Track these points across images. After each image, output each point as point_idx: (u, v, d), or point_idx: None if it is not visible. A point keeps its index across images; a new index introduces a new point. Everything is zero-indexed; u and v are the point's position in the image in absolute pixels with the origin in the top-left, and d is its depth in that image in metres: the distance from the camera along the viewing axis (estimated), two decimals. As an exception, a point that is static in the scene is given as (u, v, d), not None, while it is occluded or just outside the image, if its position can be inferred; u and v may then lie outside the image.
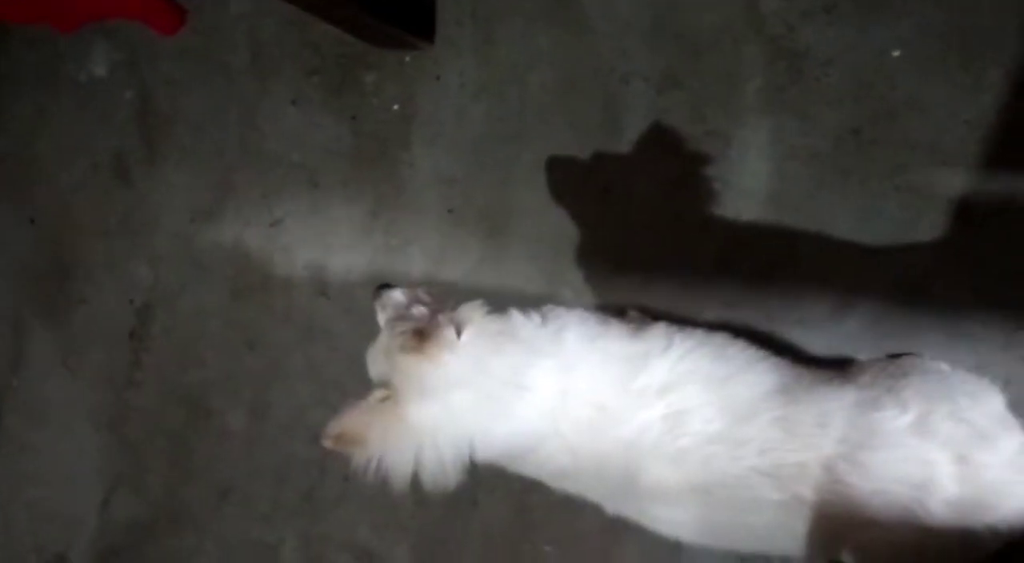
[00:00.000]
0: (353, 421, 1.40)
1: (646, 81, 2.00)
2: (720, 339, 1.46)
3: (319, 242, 2.36)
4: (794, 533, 1.32)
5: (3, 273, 2.75)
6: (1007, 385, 1.65)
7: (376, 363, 1.48)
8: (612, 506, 1.49)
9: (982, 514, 1.28)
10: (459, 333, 1.39)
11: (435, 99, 2.22)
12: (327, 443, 1.41)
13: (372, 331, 2.23)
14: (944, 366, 1.53)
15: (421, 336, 1.37)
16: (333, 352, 2.32)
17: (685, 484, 1.34)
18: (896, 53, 1.80)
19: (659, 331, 1.45)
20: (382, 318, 1.56)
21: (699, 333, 1.46)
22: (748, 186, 1.89)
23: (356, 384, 2.23)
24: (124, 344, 2.58)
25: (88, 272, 2.66)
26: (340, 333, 2.32)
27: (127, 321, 2.59)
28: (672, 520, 1.42)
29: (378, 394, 1.41)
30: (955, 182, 1.74)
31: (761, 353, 1.47)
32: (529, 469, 1.47)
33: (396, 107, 2.26)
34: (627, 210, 2.00)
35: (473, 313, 1.42)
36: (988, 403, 1.41)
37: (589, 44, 2.07)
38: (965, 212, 1.72)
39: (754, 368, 1.42)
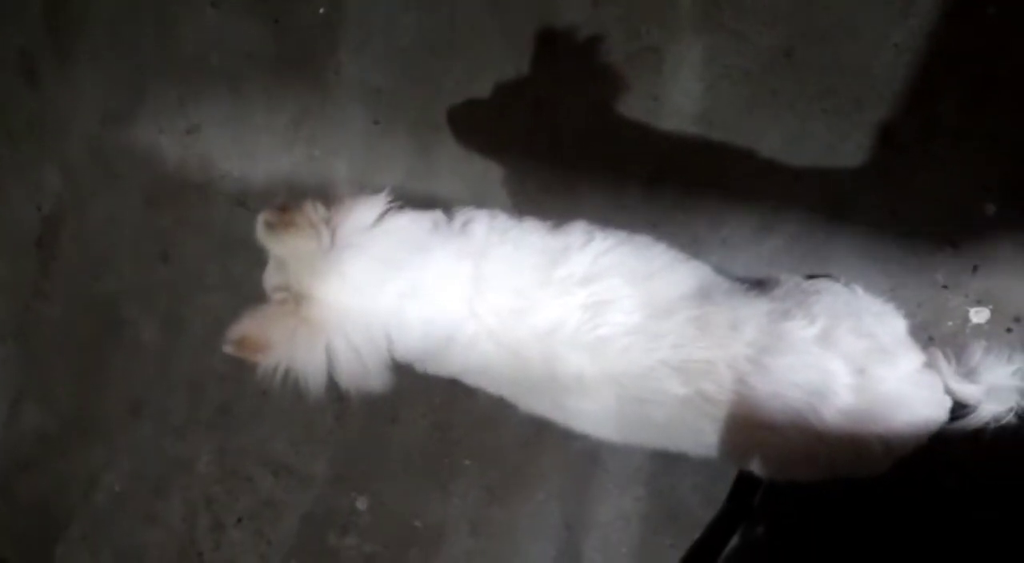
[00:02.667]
0: (255, 325, 1.35)
1: (578, -3, 1.96)
2: (643, 239, 1.45)
3: (238, 151, 2.27)
4: (697, 431, 1.34)
5: (-102, 175, 2.60)
6: (919, 308, 1.71)
7: (269, 278, 1.43)
8: (527, 402, 1.48)
9: (874, 425, 1.31)
10: (327, 206, 1.35)
11: (364, 5, 2.14)
12: (228, 349, 1.35)
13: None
14: (857, 289, 1.56)
15: (282, 209, 1.32)
16: (252, 265, 2.24)
17: (600, 374, 1.34)
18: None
19: (579, 227, 1.44)
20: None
21: (621, 233, 1.45)
22: (680, 104, 1.88)
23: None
24: (31, 253, 2.48)
25: (-9, 176, 2.53)
26: (259, 246, 2.25)
27: (34, 229, 2.48)
28: (585, 412, 1.42)
29: (277, 296, 1.36)
30: (881, 106, 1.75)
31: (683, 256, 1.47)
32: (453, 364, 1.44)
33: (322, 11, 2.18)
34: (558, 126, 1.97)
35: (343, 188, 1.38)
36: (892, 325, 1.44)
37: (522, -45, 2.02)
38: (889, 136, 1.74)
39: (676, 269, 1.42)
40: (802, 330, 1.32)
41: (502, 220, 1.44)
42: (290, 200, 1.36)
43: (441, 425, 2.08)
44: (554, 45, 1.98)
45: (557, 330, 1.34)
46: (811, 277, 1.69)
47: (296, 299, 1.33)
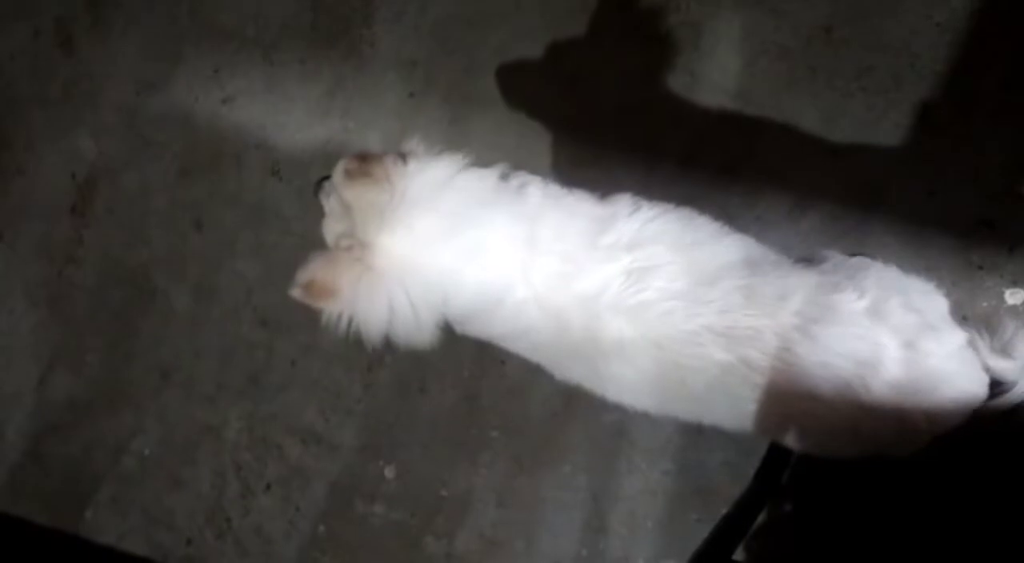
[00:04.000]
0: (323, 270, 1.35)
1: (618, -31, 1.96)
2: (688, 211, 1.46)
3: (273, 121, 2.29)
4: (736, 398, 1.35)
5: (-65, 139, 2.63)
6: (954, 287, 1.71)
7: (331, 226, 1.44)
8: (565, 369, 1.49)
9: (919, 399, 1.31)
10: (405, 161, 1.36)
11: (400, -24, 2.15)
12: (296, 293, 1.36)
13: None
14: (896, 270, 1.56)
15: (363, 159, 1.33)
16: (284, 234, 2.28)
17: (639, 338, 1.35)
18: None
19: (626, 197, 1.45)
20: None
21: (667, 204, 1.46)
22: (717, 81, 1.88)
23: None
24: (65, 219, 2.50)
25: (28, 142, 2.55)
26: (292, 215, 2.27)
27: (69, 195, 2.50)
28: (623, 379, 1.43)
29: (343, 242, 1.37)
30: (921, 85, 1.74)
31: (728, 228, 1.47)
32: (496, 327, 1.45)
33: (359, -18, 2.18)
34: (594, 99, 1.97)
35: (420, 146, 1.40)
36: (936, 302, 1.45)
37: (563, -74, 2.01)
38: (928, 115, 1.73)
39: (722, 239, 1.43)
40: (852, 303, 1.32)
41: (554, 188, 1.45)
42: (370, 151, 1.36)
43: (469, 395, 2.09)
44: (591, 18, 1.98)
45: (600, 294, 1.35)
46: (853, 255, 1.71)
47: (361, 245, 1.33)
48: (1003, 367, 1.39)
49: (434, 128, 2.11)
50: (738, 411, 1.37)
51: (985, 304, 1.69)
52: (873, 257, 1.69)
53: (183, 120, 2.38)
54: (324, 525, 2.18)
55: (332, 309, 1.35)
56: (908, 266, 1.70)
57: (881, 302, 1.34)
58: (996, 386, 1.40)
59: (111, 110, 2.45)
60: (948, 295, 1.69)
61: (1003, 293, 1.68)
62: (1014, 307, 1.68)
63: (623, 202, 1.43)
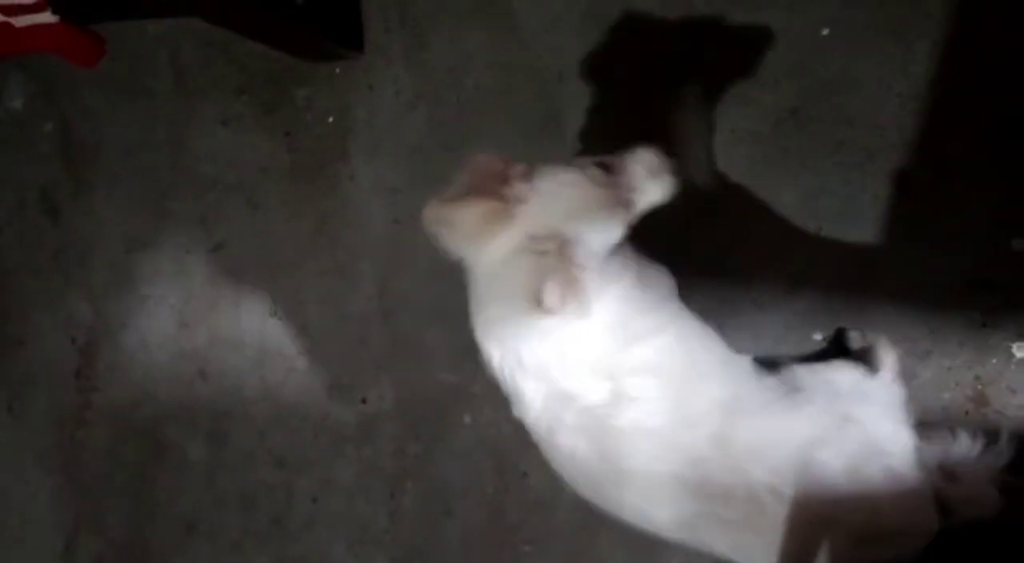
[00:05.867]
0: (468, 210, 1.37)
1: (582, 77, 2.00)
2: (699, 338, 1.47)
3: (264, 263, 2.31)
4: (712, 542, 1.37)
5: (-68, 322, 2.65)
6: (961, 347, 1.71)
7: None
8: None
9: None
10: None
11: (370, 109, 2.19)
12: (431, 213, 1.41)
13: (326, 353, 2.21)
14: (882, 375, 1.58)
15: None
16: (289, 373, 2.28)
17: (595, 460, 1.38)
18: (825, 31, 1.83)
19: (667, 310, 1.47)
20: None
21: (694, 323, 1.48)
22: (694, 173, 1.91)
23: (316, 405, 2.23)
24: (71, 384, 2.50)
25: (23, 312, 2.57)
26: (294, 353, 2.28)
27: (71, 360, 2.51)
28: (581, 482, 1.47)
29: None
30: (893, 155, 1.77)
31: (730, 354, 1.48)
32: None
33: (331, 120, 2.23)
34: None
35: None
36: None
37: (520, 42, 2.06)
38: (905, 183, 1.76)
39: (717, 376, 1.43)
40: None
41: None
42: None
43: (496, 512, 2.07)
44: (562, 129, 2.01)
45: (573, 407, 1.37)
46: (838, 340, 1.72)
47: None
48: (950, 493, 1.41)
49: (421, 252, 2.13)
50: (720, 547, 1.38)
51: (994, 360, 1.69)
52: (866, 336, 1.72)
53: (176, 272, 2.40)
54: None
55: (450, 240, 1.42)
56: (912, 331, 1.72)
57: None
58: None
59: (103, 271, 2.47)
60: (955, 355, 1.73)
61: (1011, 348, 1.69)
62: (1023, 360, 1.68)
63: (658, 317, 1.44)
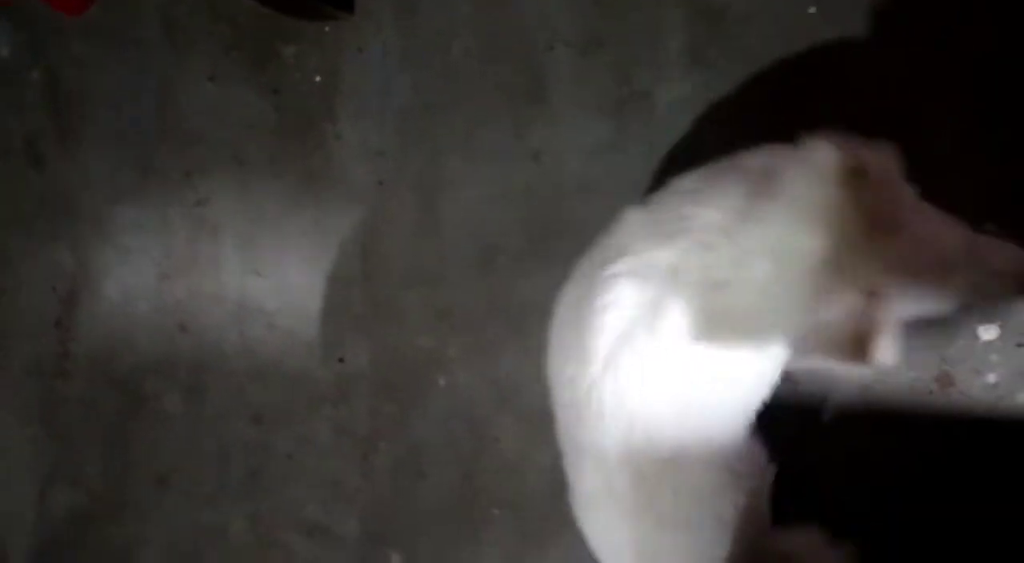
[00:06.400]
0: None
1: (568, 45, 2.00)
2: None
3: (248, 219, 2.32)
4: None
5: (-86, 267, 2.65)
6: (927, 328, 1.73)
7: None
8: None
9: None
10: None
11: (359, 70, 2.19)
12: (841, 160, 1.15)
13: (306, 311, 2.23)
14: None
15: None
16: (269, 330, 2.30)
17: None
18: (812, 10, 1.84)
19: None
20: None
21: None
22: (674, 144, 1.92)
23: (294, 362, 2.25)
24: (51, 333, 2.52)
25: (5, 261, 2.57)
26: (274, 310, 2.29)
27: (52, 309, 2.52)
28: None
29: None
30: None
31: None
32: None
33: (319, 79, 2.22)
34: (558, 175, 2.01)
35: None
36: None
37: (511, 9, 2.06)
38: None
39: None
40: None
41: None
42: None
43: (468, 475, 2.10)
44: (547, 97, 2.02)
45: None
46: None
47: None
48: None
49: (405, 214, 2.14)
50: None
51: (961, 342, 1.72)
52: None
53: (159, 225, 2.40)
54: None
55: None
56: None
57: None
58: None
59: (87, 222, 2.47)
60: (921, 336, 1.75)
61: (976, 330, 1.71)
62: (989, 342, 1.71)
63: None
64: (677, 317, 1.28)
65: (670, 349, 1.31)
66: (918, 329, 1.72)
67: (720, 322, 1.26)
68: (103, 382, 2.46)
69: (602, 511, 1.52)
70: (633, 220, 1.42)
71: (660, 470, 1.41)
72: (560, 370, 1.48)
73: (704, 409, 1.40)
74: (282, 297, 2.29)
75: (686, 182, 1.41)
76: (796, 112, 1.83)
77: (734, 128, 1.87)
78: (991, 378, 1.69)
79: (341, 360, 2.22)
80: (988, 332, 1.70)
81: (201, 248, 2.36)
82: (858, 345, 1.12)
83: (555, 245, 2.00)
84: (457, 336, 2.09)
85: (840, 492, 1.77)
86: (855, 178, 1.16)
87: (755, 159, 1.37)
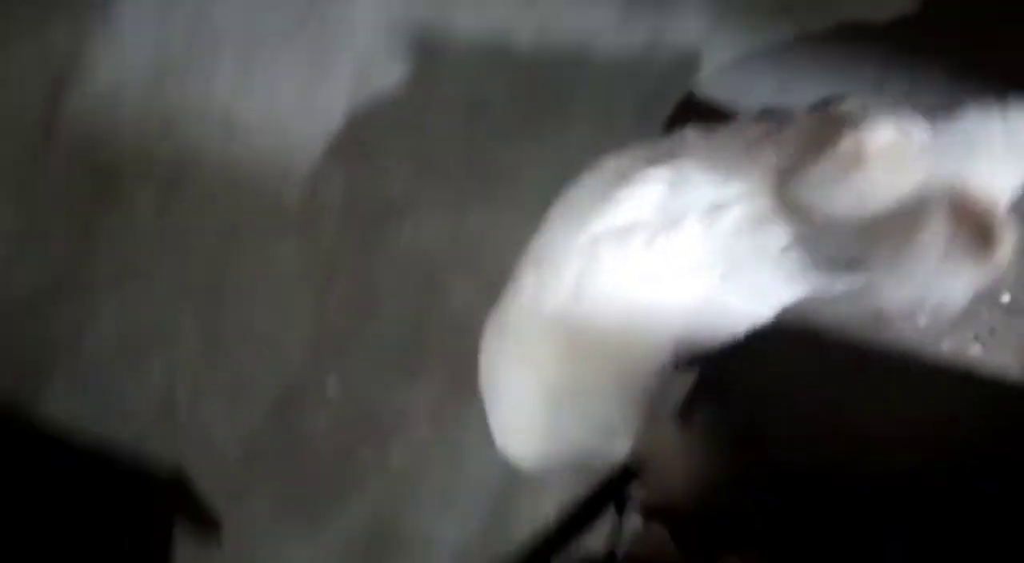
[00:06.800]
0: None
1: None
2: None
3: (249, 37, 2.34)
4: None
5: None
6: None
7: None
8: None
9: None
10: None
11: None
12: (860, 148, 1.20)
13: (288, 136, 2.26)
14: None
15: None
16: (249, 150, 2.34)
17: None
18: None
19: None
20: None
21: None
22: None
23: (269, 185, 2.30)
24: (36, 114, 2.54)
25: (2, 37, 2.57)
26: (258, 130, 2.33)
27: (41, 91, 2.53)
28: None
29: None
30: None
31: None
32: None
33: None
34: (560, 47, 2.03)
35: None
36: None
37: None
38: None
39: None
40: None
41: None
42: None
43: (416, 324, 2.19)
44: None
45: None
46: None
47: None
48: None
49: (403, 58, 2.16)
50: None
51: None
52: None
53: (157, 23, 2.41)
54: (266, 427, 2.30)
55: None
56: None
57: None
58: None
59: (85, 8, 2.46)
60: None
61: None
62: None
63: None
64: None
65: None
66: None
67: None
68: (81, 171, 2.50)
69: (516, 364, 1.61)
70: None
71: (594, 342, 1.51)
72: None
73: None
74: (268, 119, 2.32)
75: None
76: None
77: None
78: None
79: (314, 191, 2.28)
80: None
81: (198, 55, 2.38)
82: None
83: (542, 117, 2.04)
84: (430, 186, 2.14)
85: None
86: None
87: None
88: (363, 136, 2.23)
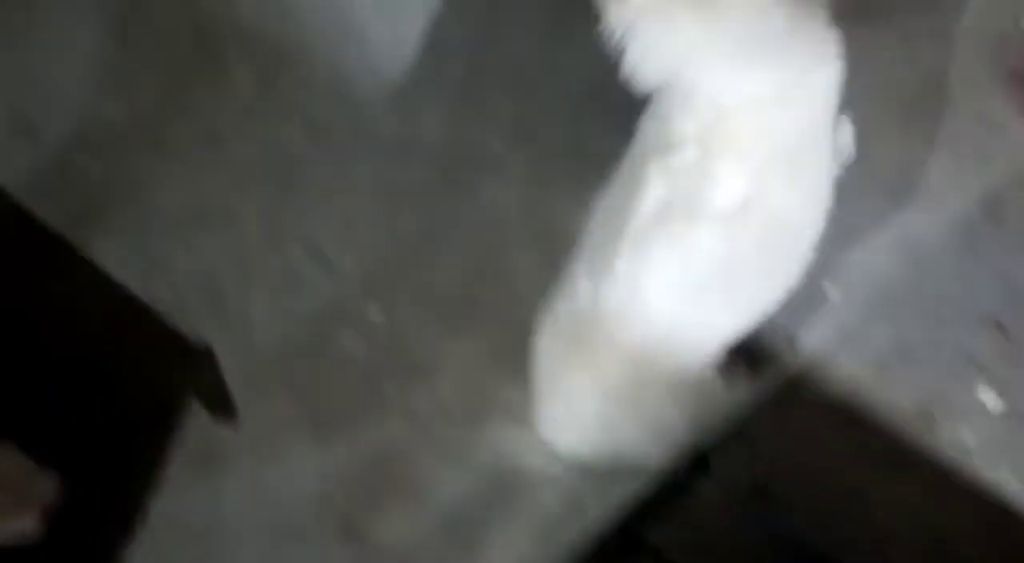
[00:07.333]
0: None
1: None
2: None
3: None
4: None
5: None
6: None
7: None
8: None
9: None
10: None
11: None
12: None
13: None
14: None
15: None
16: (358, 60, 2.29)
17: None
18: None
19: None
20: None
21: None
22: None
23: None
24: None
25: None
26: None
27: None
28: None
29: None
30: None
31: None
32: None
33: None
34: None
35: None
36: None
37: None
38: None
39: None
40: None
41: None
42: None
43: (474, 281, 2.19)
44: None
45: None
46: None
47: None
48: None
49: None
50: None
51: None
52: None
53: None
54: (303, 336, 2.32)
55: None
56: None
57: None
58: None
59: None
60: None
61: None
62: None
63: None
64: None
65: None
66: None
67: None
68: (189, 27, 2.46)
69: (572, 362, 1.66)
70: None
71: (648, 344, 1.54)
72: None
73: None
74: (389, 36, 2.29)
75: None
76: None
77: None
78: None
79: (412, 119, 2.24)
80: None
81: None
82: None
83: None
84: (526, 150, 2.15)
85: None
86: None
87: None
88: (474, 82, 2.17)
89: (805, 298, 1.81)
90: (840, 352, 1.95)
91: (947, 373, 1.93)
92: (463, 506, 2.12)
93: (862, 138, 1.77)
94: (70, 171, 2.61)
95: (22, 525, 1.52)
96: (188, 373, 2.40)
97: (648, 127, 1.58)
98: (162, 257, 2.49)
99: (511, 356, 2.11)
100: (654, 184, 1.43)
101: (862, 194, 1.83)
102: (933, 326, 1.96)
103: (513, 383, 2.06)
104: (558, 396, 1.74)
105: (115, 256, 2.51)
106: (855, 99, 1.71)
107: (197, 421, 2.31)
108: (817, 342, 1.96)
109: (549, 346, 1.78)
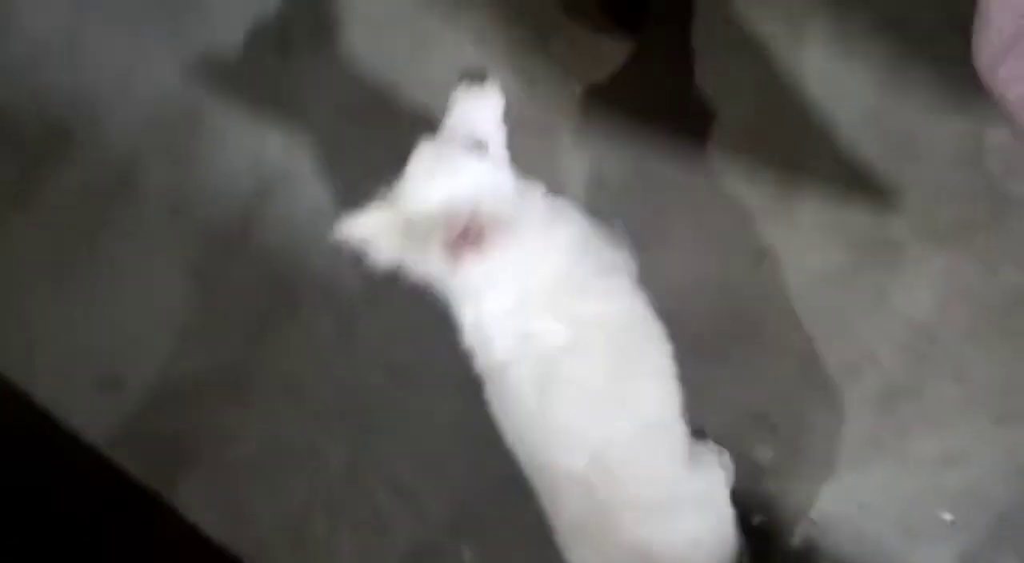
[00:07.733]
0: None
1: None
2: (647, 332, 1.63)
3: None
4: None
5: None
6: None
7: None
8: None
9: None
10: None
11: None
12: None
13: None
14: None
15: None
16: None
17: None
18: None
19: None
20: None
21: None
22: (904, 309, 1.86)
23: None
24: (237, 212, 2.58)
25: (220, 130, 2.64)
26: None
27: (247, 190, 2.58)
28: None
29: None
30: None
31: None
32: None
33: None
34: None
35: None
36: None
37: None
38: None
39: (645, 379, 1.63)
40: None
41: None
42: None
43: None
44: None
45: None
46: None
47: None
48: None
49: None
50: None
51: None
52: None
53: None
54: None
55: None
56: None
57: None
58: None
59: (306, 122, 2.52)
60: None
61: None
62: None
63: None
64: None
65: None
66: None
67: None
68: (267, 278, 2.54)
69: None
70: None
71: None
72: None
73: None
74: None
75: None
76: None
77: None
78: None
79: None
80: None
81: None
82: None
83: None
84: None
85: None
86: None
87: None
88: None
89: (923, 527, 1.76)
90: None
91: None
92: None
93: (957, 360, 1.79)
94: (155, 423, 2.66)
95: None
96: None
97: None
98: (245, 503, 2.49)
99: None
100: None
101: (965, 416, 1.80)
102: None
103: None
104: None
105: (199, 503, 2.54)
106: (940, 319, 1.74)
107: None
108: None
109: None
